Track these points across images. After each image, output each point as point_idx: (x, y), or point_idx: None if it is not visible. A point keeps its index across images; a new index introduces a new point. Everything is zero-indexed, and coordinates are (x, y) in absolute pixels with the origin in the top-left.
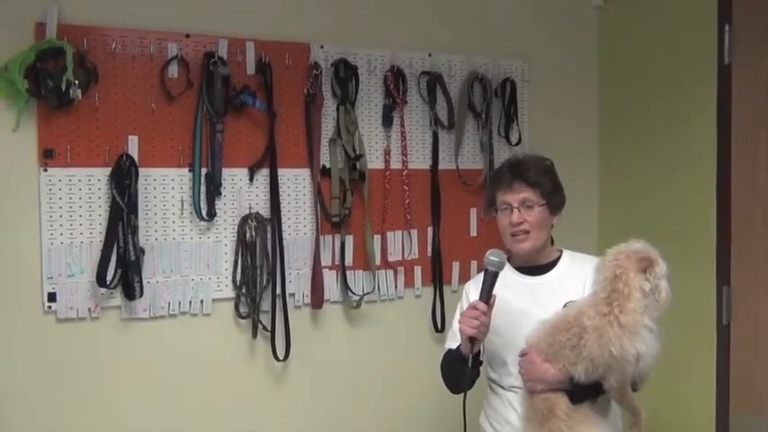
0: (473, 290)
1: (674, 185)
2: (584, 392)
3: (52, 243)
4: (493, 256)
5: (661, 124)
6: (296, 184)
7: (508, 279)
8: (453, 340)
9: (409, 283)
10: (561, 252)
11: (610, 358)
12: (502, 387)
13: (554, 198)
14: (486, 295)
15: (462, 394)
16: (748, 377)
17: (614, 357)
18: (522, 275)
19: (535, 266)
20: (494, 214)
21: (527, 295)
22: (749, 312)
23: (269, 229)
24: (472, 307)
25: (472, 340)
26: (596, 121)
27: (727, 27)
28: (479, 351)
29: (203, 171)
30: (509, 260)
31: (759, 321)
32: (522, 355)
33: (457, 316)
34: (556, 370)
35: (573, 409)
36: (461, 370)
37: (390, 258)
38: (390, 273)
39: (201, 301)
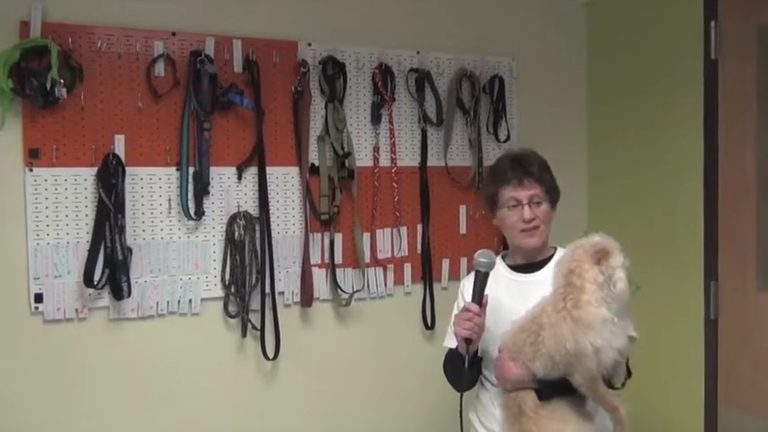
0: (468, 288)
1: (662, 181)
2: (552, 389)
3: (38, 243)
4: (482, 257)
5: (649, 120)
6: (284, 182)
7: (500, 277)
8: (452, 339)
9: (399, 280)
10: (555, 249)
11: (566, 354)
12: (490, 383)
13: (554, 193)
14: (479, 296)
15: (461, 391)
16: (736, 372)
17: (570, 353)
18: (514, 273)
19: (528, 264)
20: (495, 212)
21: (517, 293)
22: (737, 307)
23: (257, 227)
24: (465, 309)
25: (468, 341)
26: (584, 118)
27: (713, 23)
28: (477, 350)
29: (191, 170)
30: (504, 258)
31: (747, 316)
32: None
33: (454, 314)
34: (517, 368)
35: (540, 406)
36: (460, 369)
37: (380, 256)
38: (380, 270)
39: (190, 301)
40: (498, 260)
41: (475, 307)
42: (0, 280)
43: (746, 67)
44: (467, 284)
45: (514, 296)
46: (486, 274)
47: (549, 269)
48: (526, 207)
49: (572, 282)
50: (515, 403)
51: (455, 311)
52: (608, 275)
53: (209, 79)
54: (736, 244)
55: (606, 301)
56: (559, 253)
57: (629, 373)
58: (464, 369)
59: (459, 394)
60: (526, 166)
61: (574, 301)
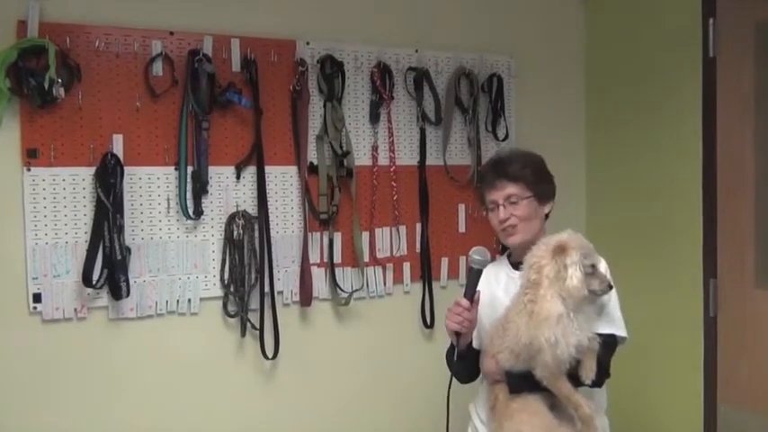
0: None
1: (661, 178)
2: (520, 382)
3: (37, 243)
4: (476, 254)
5: (647, 118)
6: (283, 181)
7: (502, 275)
8: None
9: (398, 279)
10: None
11: (523, 347)
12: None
13: (539, 188)
14: (471, 292)
15: (459, 381)
16: (735, 369)
17: (526, 346)
18: (513, 270)
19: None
20: (485, 213)
21: (513, 290)
22: (736, 304)
23: (256, 227)
24: (456, 303)
25: (458, 335)
26: (583, 116)
27: (711, 21)
28: (470, 343)
29: (189, 169)
30: (509, 256)
31: (746, 313)
32: None
33: None
34: (490, 361)
35: (510, 399)
36: (453, 361)
37: (379, 255)
38: (379, 269)
39: (189, 300)
40: (503, 258)
41: (465, 302)
42: None
43: (744, 65)
44: None
45: (510, 293)
46: (480, 271)
47: None
48: (501, 208)
49: (531, 277)
50: (491, 396)
51: None
52: (557, 271)
53: (208, 78)
54: (735, 241)
55: (562, 296)
56: None
57: (606, 373)
58: (453, 359)
59: (458, 392)
60: (502, 167)
61: (531, 295)
